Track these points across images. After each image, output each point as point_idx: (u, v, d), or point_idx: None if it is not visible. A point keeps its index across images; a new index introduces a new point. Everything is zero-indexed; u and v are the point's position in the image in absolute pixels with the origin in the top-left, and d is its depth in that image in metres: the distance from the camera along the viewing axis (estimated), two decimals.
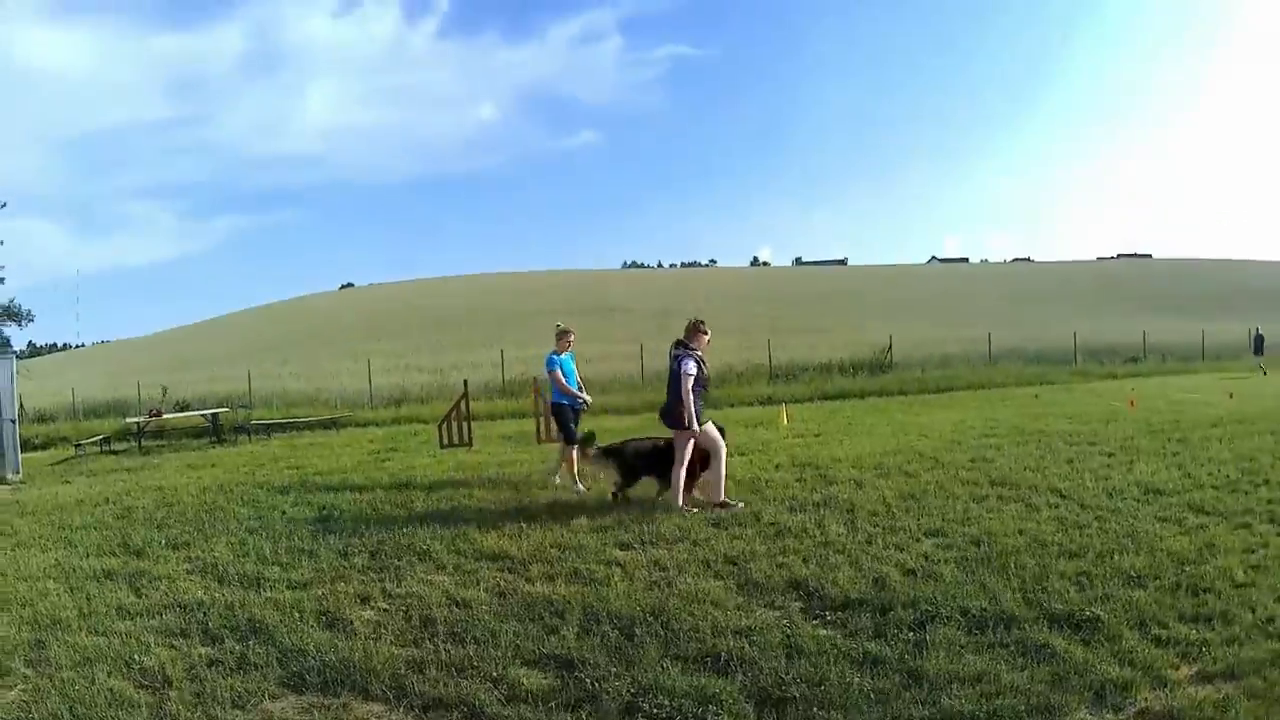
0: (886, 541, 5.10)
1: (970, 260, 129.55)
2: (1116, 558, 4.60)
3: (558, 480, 6.87)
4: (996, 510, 5.84)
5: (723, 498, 5.80)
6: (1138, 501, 5.99)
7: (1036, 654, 3.41)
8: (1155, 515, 5.60)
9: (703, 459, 5.80)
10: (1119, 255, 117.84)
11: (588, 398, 7.10)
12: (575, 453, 6.54)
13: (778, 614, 3.94)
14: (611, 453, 6.13)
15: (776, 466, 7.82)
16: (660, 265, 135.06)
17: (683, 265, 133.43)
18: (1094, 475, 6.96)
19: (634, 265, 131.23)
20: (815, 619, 3.89)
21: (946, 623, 3.73)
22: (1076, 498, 6.15)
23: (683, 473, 5.72)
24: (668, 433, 5.86)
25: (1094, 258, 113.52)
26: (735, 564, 4.70)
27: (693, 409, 5.54)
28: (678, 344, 5.74)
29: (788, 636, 3.61)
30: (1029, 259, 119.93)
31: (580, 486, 6.63)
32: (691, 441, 5.72)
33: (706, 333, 5.77)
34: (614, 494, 6.09)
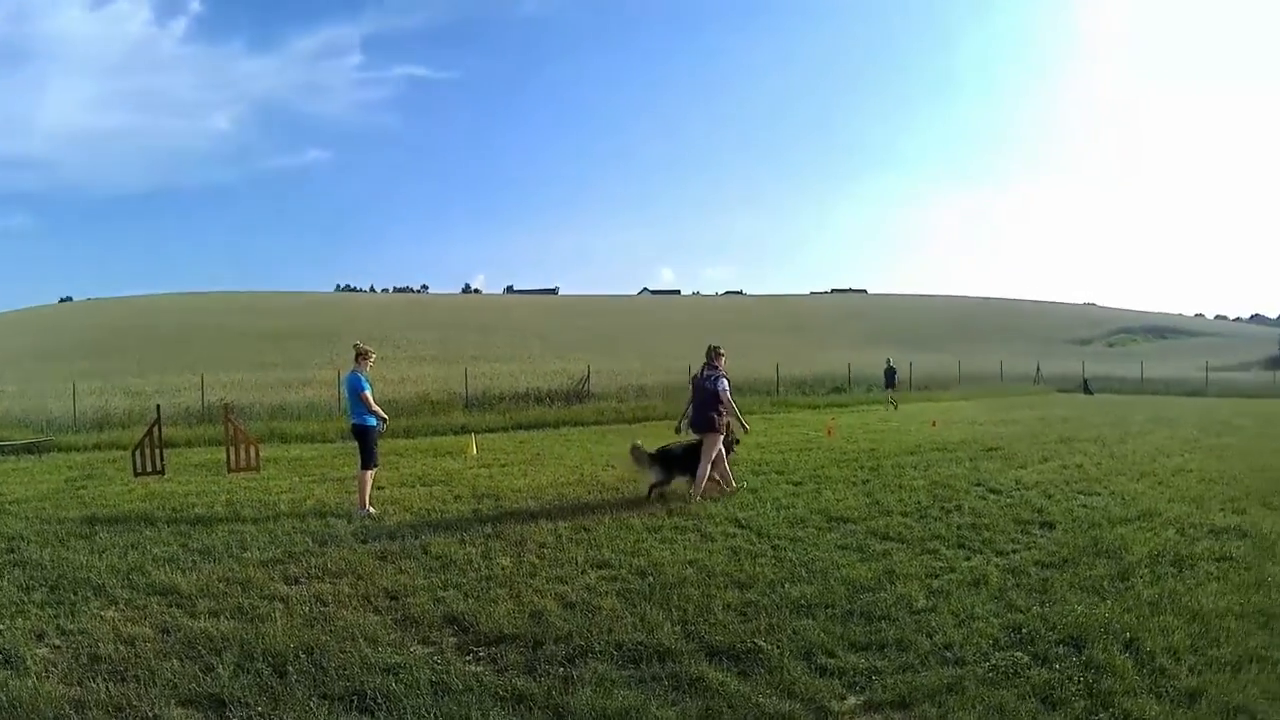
0: (551, 574, 9.12)
1: (682, 292, 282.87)
2: (787, 587, 8.41)
3: (371, 511, 12.60)
4: (670, 541, 10.60)
5: (733, 484, 14.17)
6: (819, 530, 11.19)
7: (690, 688, 6.14)
8: (836, 543, 10.46)
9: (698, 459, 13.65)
10: (833, 290, 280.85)
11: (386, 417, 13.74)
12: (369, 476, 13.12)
13: (430, 650, 6.99)
14: (658, 457, 13.86)
15: (456, 497, 13.92)
16: (373, 289, 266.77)
17: (395, 290, 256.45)
18: (776, 504, 12.87)
19: (347, 288, 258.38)
20: (468, 655, 6.91)
21: (599, 657, 6.70)
22: (755, 527, 11.31)
23: (709, 469, 13.40)
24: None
25: (808, 292, 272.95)
26: (395, 598, 8.35)
27: (734, 413, 13.70)
28: (706, 366, 13.95)
29: (437, 674, 6.42)
30: (741, 292, 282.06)
31: (370, 510, 12.54)
32: (720, 442, 13.64)
33: (720, 353, 14.18)
34: (650, 491, 13.56)
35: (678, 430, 14.51)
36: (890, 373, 42.89)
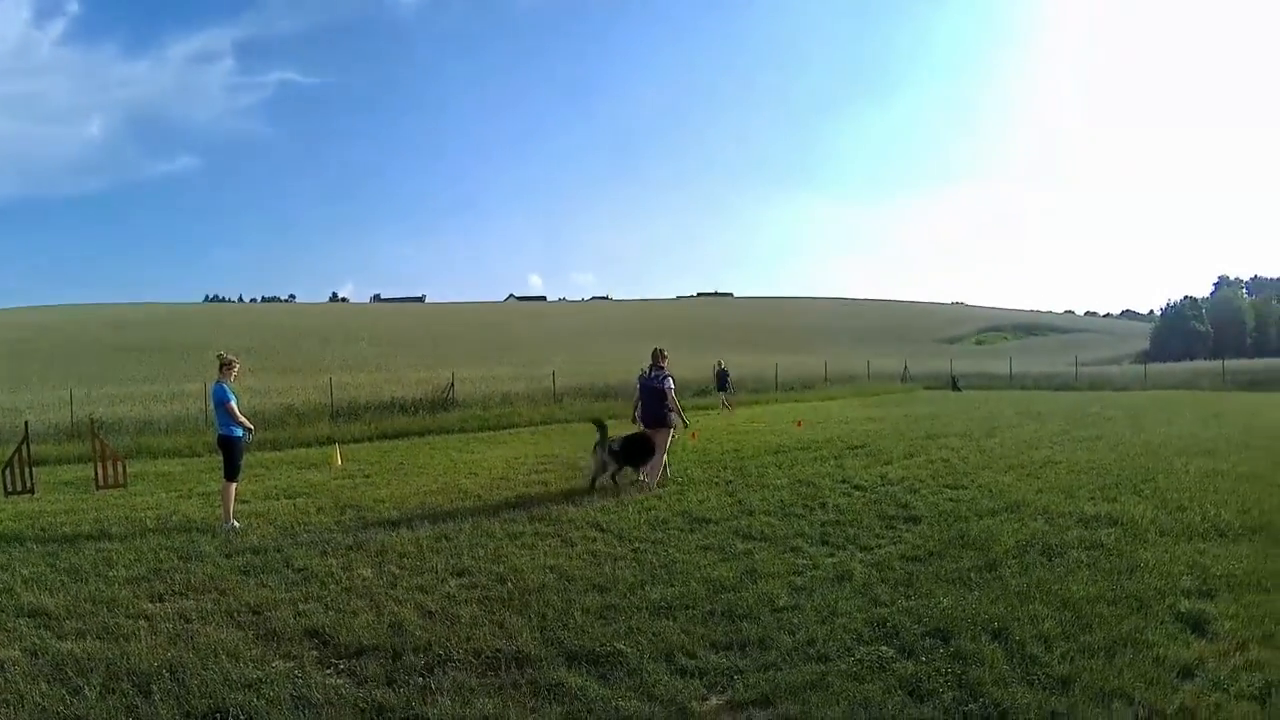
0: (411, 584, 9.36)
1: (549, 299, 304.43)
2: (647, 589, 8.79)
3: (236, 525, 12.79)
4: (530, 547, 11.00)
5: (656, 481, 15.63)
6: (681, 531, 11.68)
7: (550, 693, 6.32)
8: (698, 544, 10.89)
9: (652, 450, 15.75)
10: (699, 294, 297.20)
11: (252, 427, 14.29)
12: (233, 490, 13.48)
13: (292, 664, 7.12)
14: (613, 452, 15.55)
15: (320, 509, 14.08)
16: (241, 299, 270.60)
17: (264, 300, 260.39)
18: (639, 507, 13.41)
19: (216, 299, 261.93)
20: (329, 668, 7.04)
21: (459, 666, 6.92)
22: (616, 530, 11.78)
23: (664, 459, 15.99)
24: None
25: (674, 296, 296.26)
26: (258, 613, 8.49)
27: (678, 410, 15.98)
28: (653, 367, 16.26)
29: (298, 688, 6.53)
30: (607, 297, 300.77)
31: (235, 523, 12.78)
32: (668, 435, 16.01)
33: (665, 355, 16.48)
34: (610, 478, 15.58)
35: (634, 420, 16.39)
36: (722, 375, 43.75)
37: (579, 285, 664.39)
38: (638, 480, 15.55)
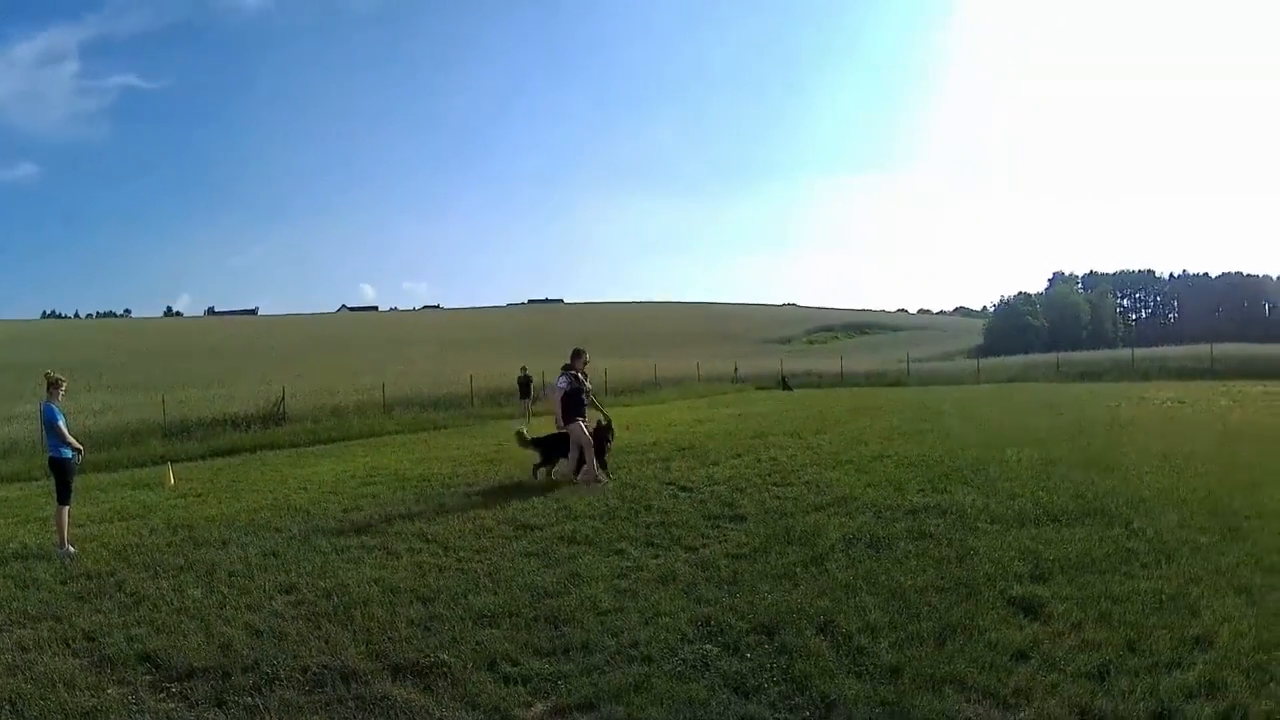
0: (240, 602, 9.33)
1: (380, 309, 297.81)
2: (470, 598, 8.94)
3: (71, 550, 12.51)
4: (356, 560, 11.00)
5: (596, 476, 16.44)
6: (506, 539, 11.89)
7: (375, 707, 6.45)
8: (522, 551, 11.10)
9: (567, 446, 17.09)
10: (530, 301, 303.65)
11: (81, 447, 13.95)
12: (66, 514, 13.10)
13: (125, 690, 7.10)
14: (537, 441, 17.81)
15: (152, 530, 13.93)
16: (77, 315, 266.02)
17: (99, 315, 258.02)
18: (464, 516, 13.63)
19: (52, 315, 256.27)
20: (161, 692, 7.04)
21: (286, 684, 6.96)
22: (441, 540, 11.90)
23: (577, 456, 16.80)
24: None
25: (505, 304, 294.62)
26: (93, 639, 8.45)
27: (559, 412, 16.93)
28: (563, 367, 17.43)
29: (132, 714, 6.58)
30: (439, 306, 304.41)
31: (70, 549, 12.52)
32: (578, 430, 16.74)
33: (580, 355, 17.72)
34: (534, 470, 17.64)
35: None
36: (525, 381, 43.96)
37: (411, 294, 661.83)
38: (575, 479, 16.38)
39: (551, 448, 17.41)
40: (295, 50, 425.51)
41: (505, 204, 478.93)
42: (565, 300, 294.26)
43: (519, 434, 18.41)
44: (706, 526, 11.62)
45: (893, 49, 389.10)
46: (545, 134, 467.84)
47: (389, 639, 7.75)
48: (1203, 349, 66.27)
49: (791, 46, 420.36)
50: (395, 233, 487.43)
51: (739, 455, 18.81)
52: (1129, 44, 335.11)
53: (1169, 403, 32.01)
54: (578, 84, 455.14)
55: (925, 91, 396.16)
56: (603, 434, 17.11)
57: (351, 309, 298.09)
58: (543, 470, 17.34)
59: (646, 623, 7.75)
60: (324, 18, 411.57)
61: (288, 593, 9.56)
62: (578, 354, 17.54)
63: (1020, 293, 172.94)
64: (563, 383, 16.85)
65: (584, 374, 17.37)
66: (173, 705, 6.64)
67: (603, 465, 16.82)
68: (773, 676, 6.41)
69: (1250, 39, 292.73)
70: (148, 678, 7.26)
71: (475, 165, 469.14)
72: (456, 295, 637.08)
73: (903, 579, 8.63)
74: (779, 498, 13.44)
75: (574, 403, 16.75)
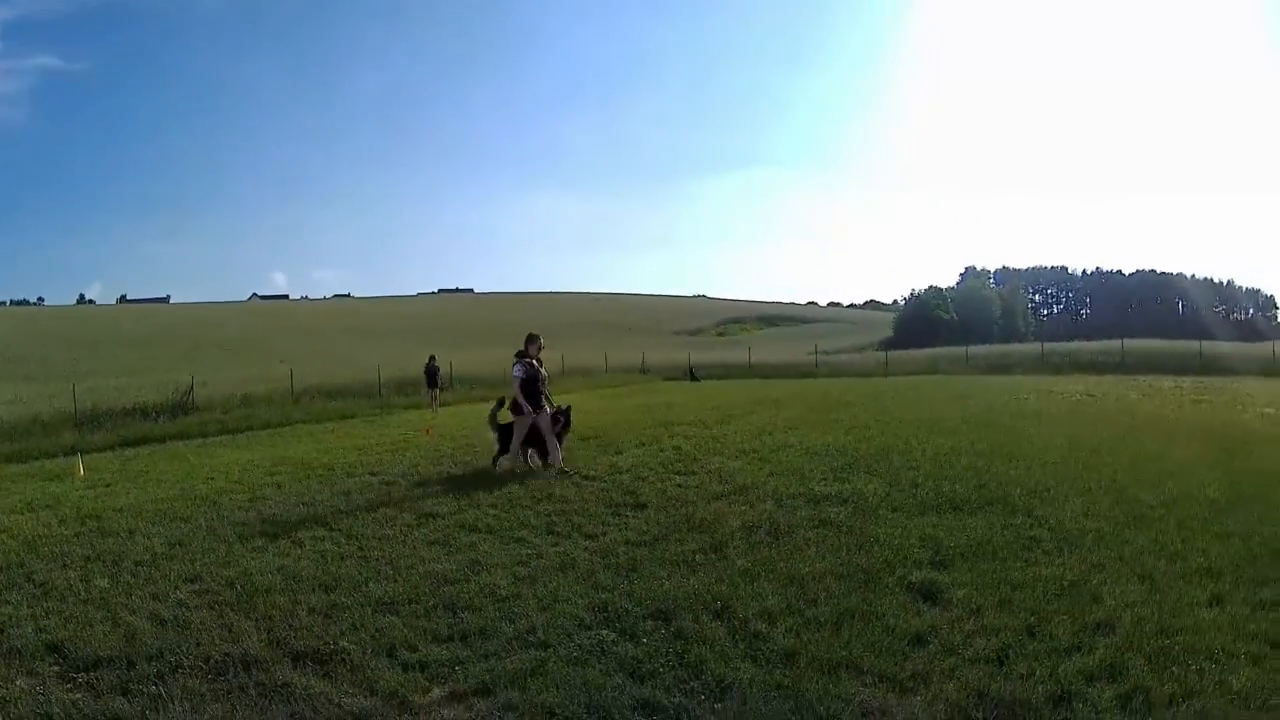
0: (145, 592, 9.37)
1: (291, 297, 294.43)
2: (371, 586, 9.08)
3: None
4: (260, 550, 11.02)
5: (560, 464, 16.27)
6: (408, 527, 11.94)
7: (276, 694, 6.54)
8: (424, 539, 11.20)
9: (537, 436, 16.69)
10: (440, 290, 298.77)
11: None
12: None
13: (34, 681, 7.10)
14: (499, 427, 17.21)
15: (61, 521, 13.82)
16: None
17: (11, 303, 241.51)
18: (368, 504, 13.79)
19: None
20: (68, 682, 7.06)
21: (189, 672, 7.04)
22: (344, 529, 12.01)
23: (518, 445, 16.70)
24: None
25: (415, 293, 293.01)
26: (2, 631, 8.38)
27: (522, 400, 16.44)
28: (517, 354, 17.04)
29: (40, 705, 6.58)
30: (349, 295, 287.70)
31: None
32: (528, 423, 16.50)
33: (534, 340, 17.06)
34: (494, 461, 17.07)
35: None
36: (432, 371, 44.48)
37: (322, 282, 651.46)
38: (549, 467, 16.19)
39: (510, 435, 16.96)
40: (215, 35, 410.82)
41: (418, 193, 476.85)
42: (475, 290, 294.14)
43: (492, 416, 17.69)
44: (608, 514, 11.77)
45: (804, 44, 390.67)
46: (459, 125, 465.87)
47: (290, 627, 7.84)
48: (1114, 344, 68.31)
49: (702, 43, 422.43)
50: (308, 220, 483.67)
51: (643, 444, 19.07)
52: (1047, 39, 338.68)
53: (1078, 396, 32.65)
54: (491, 77, 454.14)
55: (838, 87, 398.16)
56: (558, 421, 16.99)
57: (262, 297, 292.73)
58: (504, 459, 16.87)
59: (544, 609, 7.89)
60: (244, 2, 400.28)
61: (192, 582, 9.58)
62: (532, 339, 17.03)
63: (931, 287, 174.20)
64: (519, 371, 16.61)
65: (539, 360, 17.02)
66: (79, 695, 6.69)
67: (543, 454, 16.69)
68: (668, 661, 6.55)
69: (1171, 39, 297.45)
70: (55, 668, 7.31)
71: (389, 154, 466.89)
72: (368, 284, 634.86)
73: (801, 566, 8.81)
74: (681, 486, 13.64)
75: (532, 390, 16.51)
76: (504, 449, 16.83)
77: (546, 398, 16.96)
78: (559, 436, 16.81)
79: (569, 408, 17.44)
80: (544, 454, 16.59)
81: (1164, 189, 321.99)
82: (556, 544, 10.44)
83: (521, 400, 16.36)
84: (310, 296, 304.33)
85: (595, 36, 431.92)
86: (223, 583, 9.40)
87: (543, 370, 17.00)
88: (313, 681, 6.62)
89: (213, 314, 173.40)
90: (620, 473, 15.17)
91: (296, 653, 7.22)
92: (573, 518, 11.60)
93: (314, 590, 8.93)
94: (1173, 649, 6.62)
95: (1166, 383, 41.30)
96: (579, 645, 7.00)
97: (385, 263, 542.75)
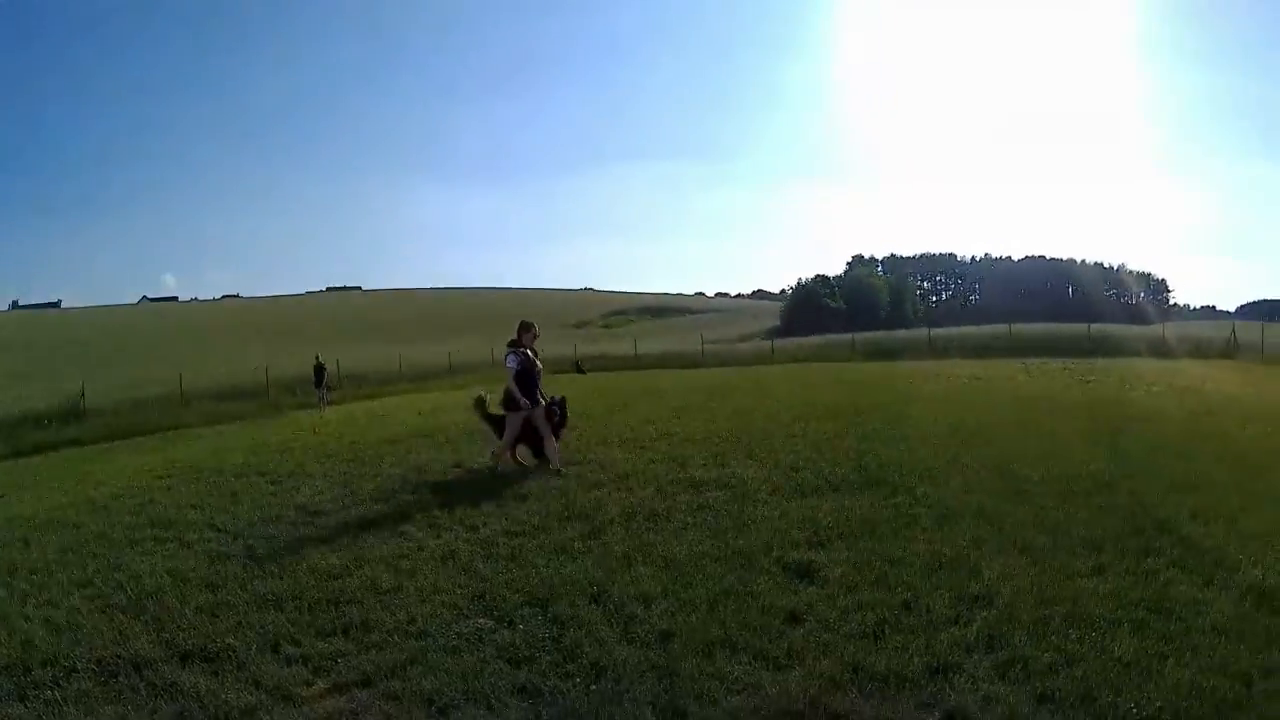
0: (40, 599, 9.51)
1: (181, 299, 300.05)
2: (256, 583, 9.23)
3: None
4: (150, 552, 11.15)
5: (557, 465, 14.70)
6: (294, 524, 12.13)
7: (166, 693, 6.70)
8: (308, 535, 11.35)
9: (532, 433, 15.22)
10: (329, 289, 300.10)
11: None
12: None
13: None
14: (494, 420, 16.03)
15: None
16: None
17: None
18: (255, 504, 13.77)
19: None
20: None
21: (83, 675, 7.18)
22: (231, 529, 12.10)
23: (511, 442, 15.31)
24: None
25: (304, 291, 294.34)
26: None
27: (516, 393, 14.83)
28: (509, 343, 15.47)
29: None
30: (238, 295, 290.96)
31: None
32: (521, 418, 15.01)
33: (528, 328, 15.63)
34: (491, 454, 15.86)
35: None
36: (319, 370, 45.47)
37: (213, 283, 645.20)
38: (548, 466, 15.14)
39: (513, 435, 15.67)
40: (102, 32, 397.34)
41: (308, 190, 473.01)
42: (364, 288, 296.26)
43: (479, 402, 16.87)
44: (490, 506, 11.90)
45: (694, 37, 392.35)
46: (349, 120, 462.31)
47: (179, 627, 7.97)
48: (1001, 328, 69.58)
49: (593, 35, 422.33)
50: (198, 220, 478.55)
51: None
52: (936, 26, 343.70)
53: (965, 379, 33.26)
54: (384, 74, 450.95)
55: (728, 78, 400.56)
56: (554, 414, 15.86)
57: (153, 300, 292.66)
58: (496, 453, 15.85)
59: (424, 600, 8.14)
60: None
61: (85, 587, 9.68)
62: (525, 327, 15.83)
63: (818, 275, 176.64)
64: (512, 362, 15.28)
65: (534, 350, 15.84)
66: None
67: (537, 451, 15.59)
68: (544, 646, 6.82)
69: (1060, 30, 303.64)
70: None
71: (281, 150, 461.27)
72: (257, 284, 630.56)
73: (679, 549, 9.10)
74: (563, 476, 13.82)
75: (528, 382, 15.23)
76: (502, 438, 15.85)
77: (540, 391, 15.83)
78: (555, 431, 15.73)
79: (564, 399, 16.46)
80: (538, 451, 15.62)
81: (1054, 180, 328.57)
82: (438, 536, 10.59)
83: (516, 393, 15.12)
84: (200, 298, 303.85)
85: (483, 29, 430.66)
86: (114, 586, 9.52)
87: (539, 361, 15.92)
88: (200, 679, 6.77)
89: (104, 318, 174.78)
90: (503, 464, 15.28)
91: (185, 652, 7.37)
92: (455, 510, 11.69)
93: (201, 590, 9.07)
94: (1052, 619, 6.91)
95: (1055, 365, 42.20)
96: (458, 634, 7.24)
97: (275, 262, 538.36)
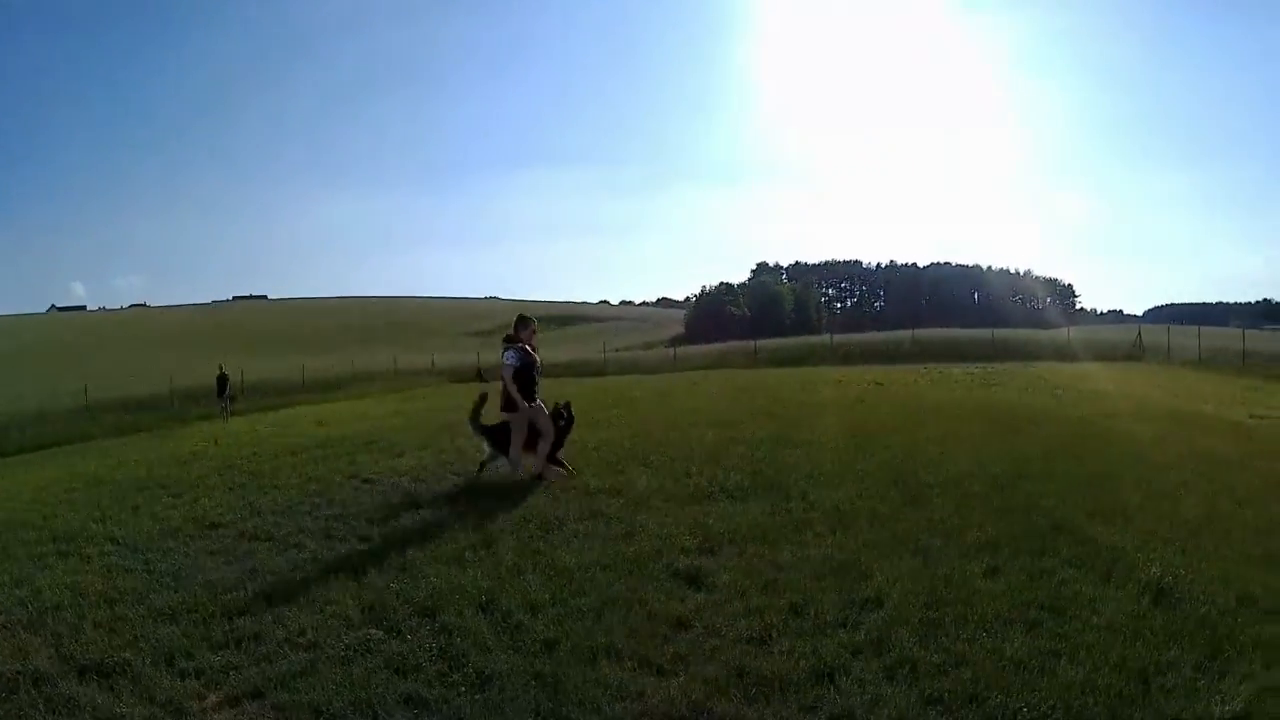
0: None
1: (89, 308, 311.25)
2: (154, 597, 9.26)
3: None
4: (51, 567, 11.09)
5: (564, 471, 14.33)
6: (191, 538, 12.08)
7: (63, 708, 6.73)
8: (205, 549, 11.33)
9: (534, 435, 14.38)
10: (235, 298, 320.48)
11: None
12: None
13: None
14: (490, 431, 15.06)
15: None
16: None
17: None
18: (155, 517, 13.70)
19: None
20: None
21: None
22: (130, 543, 12.04)
23: (519, 449, 14.48)
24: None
25: (211, 301, 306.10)
26: None
27: (515, 393, 14.06)
28: (506, 338, 14.81)
29: None
30: (145, 304, 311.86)
31: None
32: (525, 419, 14.32)
33: (527, 324, 15.05)
34: (481, 467, 14.97)
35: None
36: (222, 380, 46.51)
37: (121, 292, 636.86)
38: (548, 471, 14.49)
39: (503, 438, 14.90)
40: (19, 36, 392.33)
41: (216, 197, 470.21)
42: (270, 297, 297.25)
43: (474, 418, 15.59)
44: (384, 516, 12.09)
45: (599, 41, 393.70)
46: (256, 126, 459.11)
47: (77, 642, 7.98)
48: (904, 334, 71.09)
49: (495, 40, 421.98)
50: (106, 227, 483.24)
51: (425, 447, 19.30)
52: (839, 34, 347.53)
53: (867, 385, 33.94)
54: (288, 77, 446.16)
55: (630, 84, 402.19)
56: (560, 417, 14.94)
57: (60, 309, 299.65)
58: (507, 465, 14.78)
59: (316, 611, 8.22)
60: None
61: None
62: (524, 323, 15.14)
63: (722, 283, 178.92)
64: (511, 358, 14.45)
65: (533, 346, 15.09)
66: None
67: (554, 459, 14.69)
68: (431, 655, 6.96)
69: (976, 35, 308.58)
70: None
71: (189, 156, 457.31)
72: (165, 293, 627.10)
73: (569, 558, 9.28)
74: (457, 486, 14.13)
75: (528, 380, 14.48)
76: (501, 453, 14.76)
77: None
78: (559, 438, 14.81)
79: (569, 404, 15.26)
80: (549, 452, 14.54)
81: (957, 187, 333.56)
82: (332, 548, 10.70)
83: (515, 393, 14.22)
84: (108, 307, 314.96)
85: (384, 31, 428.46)
86: (15, 602, 9.49)
87: (538, 359, 15.09)
88: (96, 694, 6.84)
89: (9, 327, 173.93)
90: (400, 475, 15.43)
91: (82, 667, 7.40)
92: (350, 521, 11.86)
93: (100, 604, 9.06)
94: (943, 620, 7.13)
95: (957, 369, 43.32)
96: (347, 644, 7.32)
97: (183, 271, 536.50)
